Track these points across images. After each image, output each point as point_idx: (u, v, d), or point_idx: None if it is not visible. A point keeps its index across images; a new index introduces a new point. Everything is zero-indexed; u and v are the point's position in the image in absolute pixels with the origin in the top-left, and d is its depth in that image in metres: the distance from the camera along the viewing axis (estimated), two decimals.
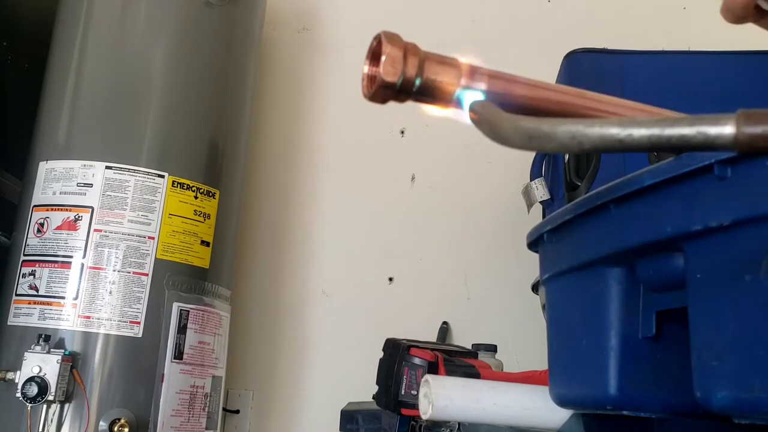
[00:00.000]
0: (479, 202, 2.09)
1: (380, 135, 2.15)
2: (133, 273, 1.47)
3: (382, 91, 0.45)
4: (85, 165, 1.51)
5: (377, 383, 1.10)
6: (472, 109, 0.44)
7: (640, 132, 0.35)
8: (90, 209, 1.48)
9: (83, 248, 1.46)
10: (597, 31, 1.92)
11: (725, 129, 0.34)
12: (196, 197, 1.58)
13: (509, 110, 0.47)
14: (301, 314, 2.08)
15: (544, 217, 1.49)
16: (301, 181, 2.17)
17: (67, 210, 1.49)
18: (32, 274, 1.47)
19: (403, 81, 0.44)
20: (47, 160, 1.54)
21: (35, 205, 1.52)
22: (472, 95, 0.45)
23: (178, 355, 1.49)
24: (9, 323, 1.46)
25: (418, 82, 0.44)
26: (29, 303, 1.45)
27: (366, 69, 0.46)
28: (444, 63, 0.45)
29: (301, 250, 2.12)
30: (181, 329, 1.50)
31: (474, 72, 0.46)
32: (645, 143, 0.36)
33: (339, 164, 2.17)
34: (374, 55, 0.45)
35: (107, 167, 1.50)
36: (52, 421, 1.36)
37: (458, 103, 0.46)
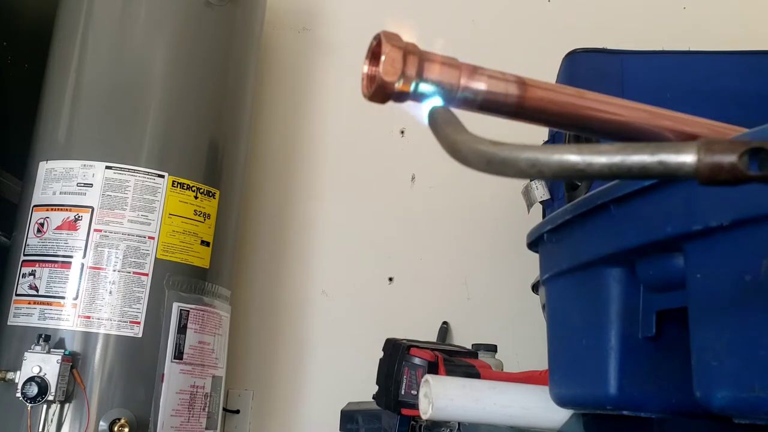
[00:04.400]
0: (479, 202, 2.09)
1: (380, 135, 2.15)
2: (133, 273, 1.47)
3: (381, 91, 0.44)
4: (85, 165, 1.51)
5: (377, 383, 1.10)
6: (431, 118, 0.43)
7: (600, 161, 0.35)
8: (90, 209, 1.48)
9: (83, 248, 1.46)
10: (597, 31, 1.92)
11: (687, 159, 0.34)
12: (196, 197, 1.58)
13: (509, 111, 0.47)
14: (301, 314, 2.08)
15: (544, 217, 1.49)
16: (301, 181, 2.17)
17: (67, 210, 1.49)
18: (32, 274, 1.47)
19: (403, 81, 0.44)
20: (47, 160, 1.54)
21: (35, 205, 1.52)
22: (433, 100, 0.44)
23: (178, 355, 1.49)
24: (9, 323, 1.46)
25: (417, 81, 0.44)
26: (29, 303, 1.45)
27: (365, 69, 0.46)
28: (443, 63, 0.45)
29: (301, 250, 2.12)
30: (181, 329, 1.50)
31: (474, 72, 0.46)
32: (606, 172, 0.35)
33: (339, 164, 2.17)
34: (374, 55, 0.45)
35: (107, 167, 1.50)
36: (52, 421, 1.36)
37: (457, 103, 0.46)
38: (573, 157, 0.35)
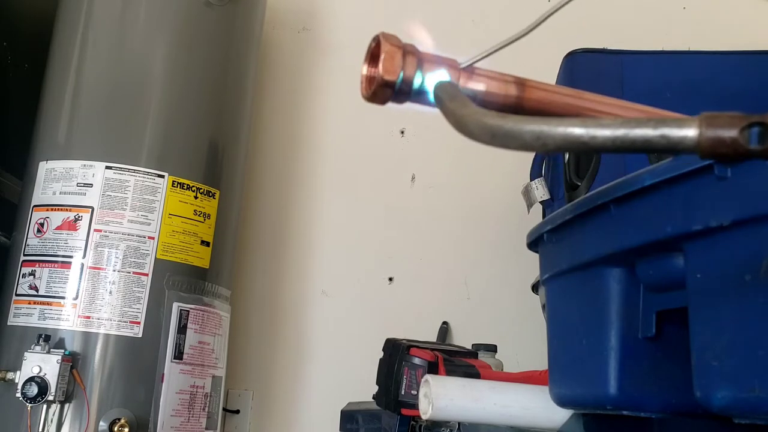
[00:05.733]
0: (479, 202, 2.09)
1: (380, 135, 2.15)
2: (133, 273, 1.47)
3: (380, 92, 0.44)
4: (85, 165, 1.51)
5: (377, 383, 1.10)
6: (436, 93, 0.43)
7: (603, 133, 0.35)
8: (90, 209, 1.48)
9: (83, 248, 1.46)
10: (597, 31, 1.92)
11: (688, 132, 0.34)
12: (196, 197, 1.58)
13: (508, 111, 0.47)
14: (301, 314, 2.08)
15: (544, 217, 1.49)
16: (301, 181, 2.17)
17: (67, 210, 1.49)
18: (32, 274, 1.47)
19: (402, 81, 0.44)
20: (47, 160, 1.54)
21: (35, 205, 1.52)
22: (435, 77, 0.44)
23: (178, 355, 1.49)
24: (9, 323, 1.46)
25: (416, 82, 0.44)
26: (29, 303, 1.45)
27: (364, 70, 0.46)
28: (442, 64, 0.45)
29: (301, 250, 2.12)
30: (181, 329, 1.50)
31: (473, 73, 0.46)
32: (609, 145, 0.36)
33: (339, 164, 2.17)
34: (373, 57, 0.46)
35: (107, 167, 1.50)
36: (52, 421, 1.36)
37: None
38: (577, 129, 0.36)
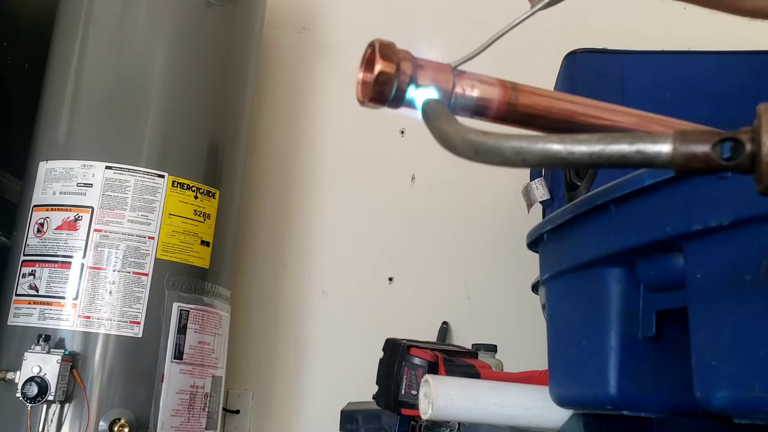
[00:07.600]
0: (479, 202, 2.09)
1: (380, 135, 2.15)
2: (133, 273, 1.47)
3: (375, 97, 0.45)
4: (85, 165, 1.51)
5: (377, 383, 1.10)
6: (424, 109, 0.45)
7: (581, 149, 0.37)
8: (90, 209, 1.48)
9: (83, 248, 1.46)
10: (597, 31, 1.92)
11: (663, 148, 0.35)
12: (196, 197, 1.58)
13: (502, 116, 0.47)
14: (301, 314, 2.08)
15: (544, 217, 1.49)
16: (301, 181, 2.17)
17: (67, 210, 1.49)
18: (32, 274, 1.47)
19: (396, 88, 0.45)
20: (47, 160, 1.54)
21: (35, 205, 1.52)
22: (425, 94, 0.45)
23: (178, 355, 1.49)
24: (9, 323, 1.46)
25: (409, 90, 0.45)
26: (29, 303, 1.45)
27: (360, 75, 0.47)
28: (436, 69, 0.46)
29: (301, 250, 2.12)
30: (181, 329, 1.50)
31: (467, 78, 0.46)
32: (586, 160, 0.37)
33: (339, 164, 2.17)
34: (368, 62, 0.46)
35: (107, 167, 1.50)
36: (52, 421, 1.36)
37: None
38: (555, 146, 0.37)
